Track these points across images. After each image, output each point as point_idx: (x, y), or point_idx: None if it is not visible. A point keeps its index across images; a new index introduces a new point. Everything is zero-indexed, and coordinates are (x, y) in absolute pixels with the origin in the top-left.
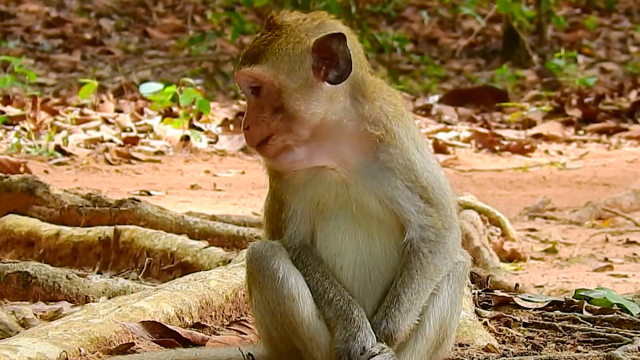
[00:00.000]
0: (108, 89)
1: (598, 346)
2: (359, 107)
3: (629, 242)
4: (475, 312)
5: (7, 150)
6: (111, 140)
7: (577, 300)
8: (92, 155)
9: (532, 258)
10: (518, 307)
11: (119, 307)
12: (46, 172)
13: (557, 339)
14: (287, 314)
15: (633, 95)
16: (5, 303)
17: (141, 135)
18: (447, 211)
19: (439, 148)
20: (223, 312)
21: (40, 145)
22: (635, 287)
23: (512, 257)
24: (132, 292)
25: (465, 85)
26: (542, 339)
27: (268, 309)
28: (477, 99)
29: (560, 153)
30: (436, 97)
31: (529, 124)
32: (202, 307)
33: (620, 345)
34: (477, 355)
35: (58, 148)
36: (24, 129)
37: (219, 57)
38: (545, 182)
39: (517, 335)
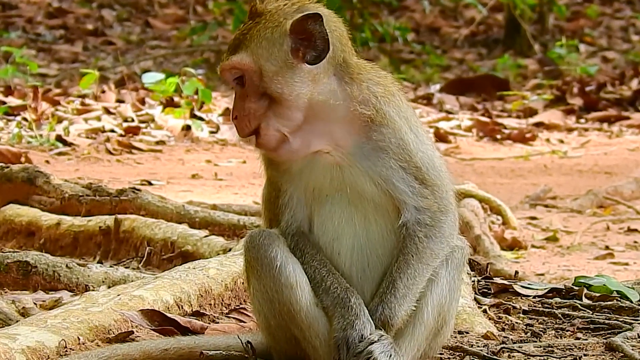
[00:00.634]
0: (110, 79)
1: (597, 333)
2: (346, 88)
3: (630, 230)
4: (475, 299)
5: (9, 140)
6: (112, 130)
7: (576, 288)
8: (93, 145)
9: (533, 246)
10: (517, 294)
11: (118, 295)
12: (47, 162)
13: (556, 326)
14: (285, 302)
15: (634, 84)
16: (5, 292)
17: (142, 125)
18: (442, 193)
19: (441, 137)
20: (222, 300)
21: (41, 136)
22: (636, 274)
23: (513, 246)
24: (132, 281)
25: (467, 74)
26: (541, 326)
27: (266, 297)
28: (479, 88)
29: (561, 141)
30: (438, 86)
31: (530, 112)
32: (201, 296)
33: (620, 332)
34: (477, 343)
35: (59, 138)
36: (25, 119)
37: (221, 47)
38: (547, 171)
39: (516, 322)
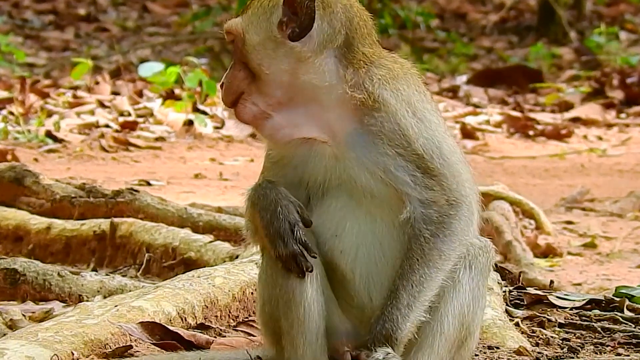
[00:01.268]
0: (104, 69)
1: None
2: (340, 71)
3: None
4: (506, 311)
5: None
6: (107, 126)
7: (617, 299)
8: (87, 142)
9: (569, 253)
10: (553, 306)
11: (116, 306)
12: (36, 160)
13: (595, 340)
14: (288, 289)
15: None
16: None
17: (140, 120)
18: (451, 184)
19: (467, 133)
20: (229, 312)
21: (29, 131)
22: None
23: (547, 253)
24: (130, 291)
25: (496, 64)
26: (579, 340)
27: (270, 280)
28: (509, 80)
29: (600, 138)
30: (464, 78)
31: (565, 106)
32: (207, 307)
33: None
34: (508, 359)
35: (49, 134)
36: (12, 113)
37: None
38: (584, 171)
39: (551, 336)
